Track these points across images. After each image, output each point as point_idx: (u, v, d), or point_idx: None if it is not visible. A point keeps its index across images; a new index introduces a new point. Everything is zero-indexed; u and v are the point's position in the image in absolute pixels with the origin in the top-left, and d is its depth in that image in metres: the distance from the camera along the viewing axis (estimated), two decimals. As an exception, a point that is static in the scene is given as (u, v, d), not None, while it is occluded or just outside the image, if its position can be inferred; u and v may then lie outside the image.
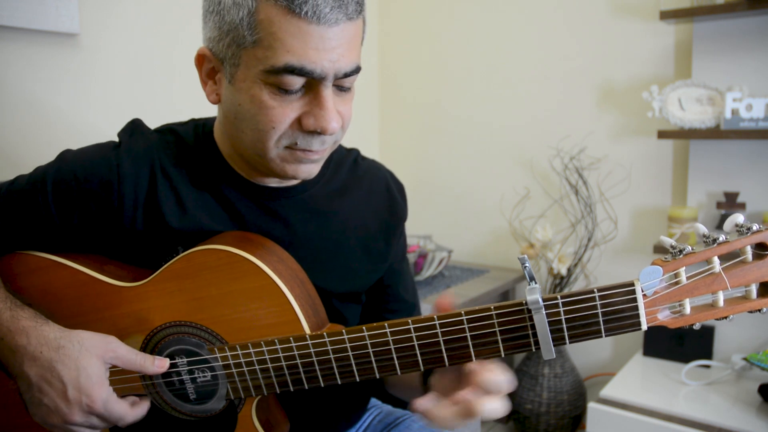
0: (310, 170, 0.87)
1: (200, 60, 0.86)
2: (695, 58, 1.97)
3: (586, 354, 2.38)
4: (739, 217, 0.67)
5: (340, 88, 0.83)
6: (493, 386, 0.70)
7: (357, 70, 0.82)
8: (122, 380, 0.87)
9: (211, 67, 0.85)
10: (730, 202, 1.94)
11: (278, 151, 0.83)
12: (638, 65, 2.14)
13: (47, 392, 0.78)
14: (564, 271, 2.18)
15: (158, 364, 0.84)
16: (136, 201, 0.89)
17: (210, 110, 1.05)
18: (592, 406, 1.81)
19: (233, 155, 0.93)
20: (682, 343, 2.01)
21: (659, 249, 1.98)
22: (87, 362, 0.79)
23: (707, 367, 1.96)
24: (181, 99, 1.92)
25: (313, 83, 0.79)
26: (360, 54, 0.83)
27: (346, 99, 0.84)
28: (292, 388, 0.82)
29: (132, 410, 0.84)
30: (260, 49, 0.76)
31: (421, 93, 2.69)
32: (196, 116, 1.03)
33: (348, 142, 1.12)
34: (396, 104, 2.77)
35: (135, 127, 0.95)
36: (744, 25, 1.88)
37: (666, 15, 1.90)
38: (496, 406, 0.70)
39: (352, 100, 0.86)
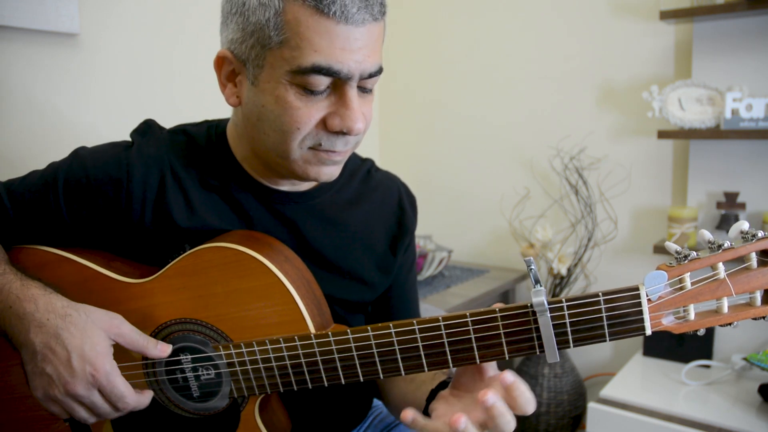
0: (331, 172, 0.87)
1: (220, 63, 0.86)
2: (695, 58, 1.97)
3: (586, 354, 2.39)
4: (744, 224, 0.66)
5: (363, 89, 0.83)
6: (522, 401, 0.70)
7: (380, 71, 0.83)
8: (126, 377, 0.87)
9: (231, 70, 0.85)
10: (730, 202, 1.94)
11: (301, 152, 0.84)
12: (638, 65, 2.14)
13: (51, 360, 0.77)
14: (564, 271, 2.18)
15: (161, 348, 0.83)
16: (144, 200, 0.90)
17: (213, 110, 1.05)
18: (592, 406, 1.81)
19: (248, 156, 0.93)
20: (682, 343, 2.01)
21: (659, 249, 1.98)
22: (92, 333, 0.78)
23: (707, 367, 1.97)
24: (181, 99, 1.91)
25: (338, 84, 0.80)
26: (382, 55, 0.84)
27: (368, 100, 0.85)
28: (295, 388, 0.82)
29: (135, 394, 0.82)
30: (287, 50, 0.77)
31: (421, 93, 2.68)
32: (197, 116, 1.04)
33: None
34: (396, 104, 2.77)
35: (148, 128, 0.96)
36: (744, 25, 1.88)
37: (666, 15, 1.90)
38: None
39: (372, 102, 0.87)
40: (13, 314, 0.80)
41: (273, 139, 0.83)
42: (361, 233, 1.00)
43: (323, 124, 0.81)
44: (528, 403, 0.70)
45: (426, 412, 0.83)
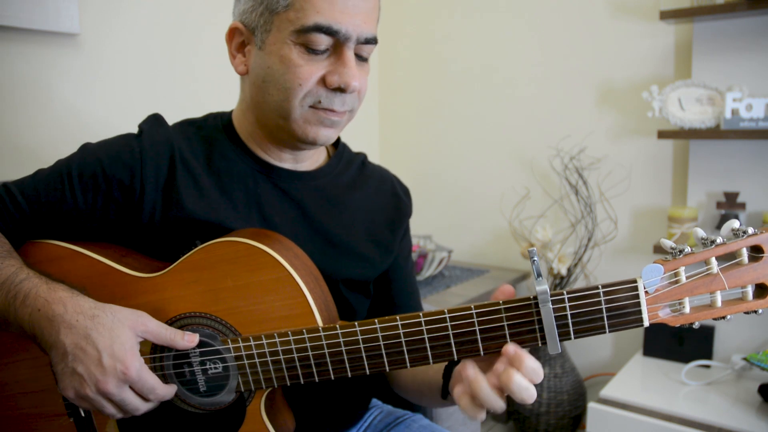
0: (328, 135, 0.94)
1: (231, 34, 0.95)
2: (695, 58, 1.98)
3: (586, 354, 2.39)
4: (734, 222, 0.70)
5: (359, 57, 0.92)
6: (530, 374, 0.73)
7: (375, 40, 0.92)
8: None
9: (241, 41, 0.94)
10: (730, 202, 1.94)
11: (302, 111, 0.90)
12: (638, 65, 2.15)
13: (82, 360, 0.78)
14: (564, 271, 2.18)
15: (188, 339, 0.84)
16: (156, 185, 0.93)
17: (215, 108, 1.07)
18: (592, 406, 1.81)
19: (252, 132, 0.99)
20: (682, 343, 2.01)
21: (659, 249, 1.98)
22: (120, 332, 0.80)
23: (707, 367, 1.97)
24: (183, 97, 1.92)
25: (337, 45, 0.89)
26: (377, 28, 0.92)
27: (363, 70, 0.93)
28: (302, 381, 0.83)
29: (164, 385, 0.83)
30: (292, 12, 0.86)
31: (421, 93, 2.69)
32: (200, 113, 1.06)
33: (348, 142, 1.14)
34: (396, 104, 2.78)
35: (156, 119, 0.99)
36: (744, 25, 1.89)
37: (666, 15, 1.91)
38: (527, 385, 0.72)
39: (368, 74, 0.94)
40: (42, 317, 0.81)
41: (276, 98, 0.90)
42: (361, 215, 1.05)
43: (323, 82, 0.89)
44: (534, 374, 0.73)
45: (445, 387, 0.89)
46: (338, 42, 0.88)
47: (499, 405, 0.74)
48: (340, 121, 0.94)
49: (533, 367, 0.72)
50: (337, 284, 0.99)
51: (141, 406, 0.82)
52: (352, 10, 0.87)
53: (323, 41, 0.87)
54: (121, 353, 0.78)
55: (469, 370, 0.75)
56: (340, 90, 0.90)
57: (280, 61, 0.88)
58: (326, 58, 0.89)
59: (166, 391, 0.84)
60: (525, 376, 0.72)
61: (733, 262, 0.70)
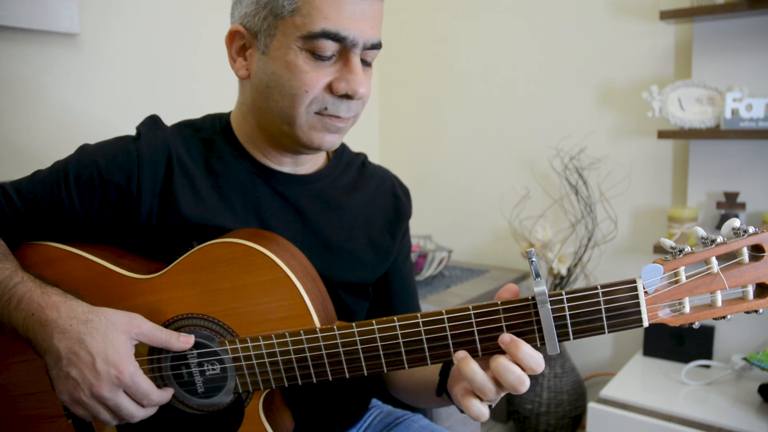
0: (333, 141, 0.93)
1: (231, 37, 0.93)
2: (695, 58, 1.98)
3: (586, 354, 2.39)
4: (735, 221, 0.69)
5: (364, 62, 0.90)
6: (528, 360, 0.73)
7: (380, 45, 0.90)
8: None
9: (241, 44, 0.92)
10: (730, 202, 1.94)
11: (308, 117, 0.89)
12: (638, 65, 2.15)
13: (76, 364, 0.78)
14: (564, 271, 2.18)
15: (183, 340, 0.84)
16: (154, 189, 0.92)
17: (215, 108, 1.07)
18: (592, 406, 1.81)
19: (252, 135, 0.97)
20: (682, 343, 2.01)
21: (659, 249, 1.98)
22: (114, 336, 0.79)
23: (707, 367, 1.97)
24: (183, 97, 1.92)
25: (344, 51, 0.87)
26: (380, 33, 0.91)
27: (368, 75, 0.92)
28: (300, 382, 0.83)
29: (158, 390, 0.83)
30: (298, 17, 0.84)
31: (421, 93, 2.69)
32: (199, 114, 1.06)
33: (348, 142, 1.14)
34: (396, 104, 2.77)
35: (153, 121, 0.99)
36: (744, 25, 1.88)
37: (666, 15, 1.91)
38: (514, 368, 0.73)
39: (371, 78, 0.93)
40: (35, 321, 0.81)
41: (281, 104, 0.89)
42: (360, 218, 1.04)
43: (329, 88, 0.88)
44: (532, 360, 0.73)
45: (443, 384, 0.89)
46: (345, 48, 0.87)
47: (488, 388, 0.74)
48: (345, 126, 0.93)
49: (530, 353, 0.73)
50: (336, 288, 0.99)
51: (136, 412, 0.82)
52: (359, 16, 0.86)
53: (330, 47, 0.86)
54: (114, 358, 0.78)
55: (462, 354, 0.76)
56: (347, 97, 0.89)
57: (285, 66, 0.86)
58: (332, 64, 0.88)
59: (161, 396, 0.83)
60: (523, 362, 0.73)
61: (734, 261, 0.70)
